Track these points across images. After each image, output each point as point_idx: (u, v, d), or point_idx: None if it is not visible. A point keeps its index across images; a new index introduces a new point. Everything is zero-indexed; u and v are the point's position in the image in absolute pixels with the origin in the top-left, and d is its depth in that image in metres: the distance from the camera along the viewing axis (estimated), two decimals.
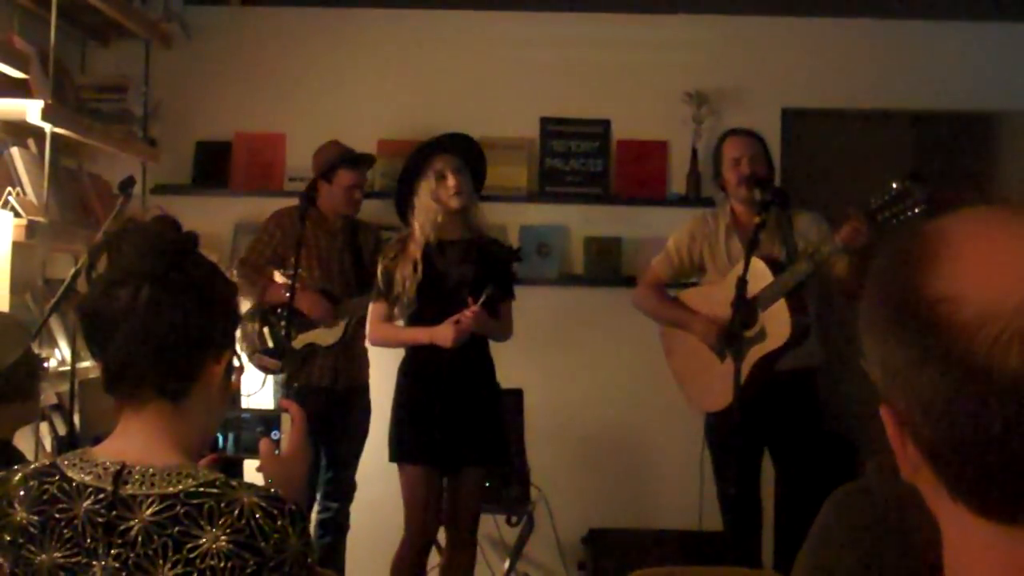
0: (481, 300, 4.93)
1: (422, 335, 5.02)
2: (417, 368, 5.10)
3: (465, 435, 5.00)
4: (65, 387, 4.93)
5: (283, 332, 5.56)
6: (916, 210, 4.39)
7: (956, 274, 0.99)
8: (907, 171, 4.55)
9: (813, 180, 6.81)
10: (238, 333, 5.65)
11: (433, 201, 5.02)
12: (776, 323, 4.91)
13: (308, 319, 5.64)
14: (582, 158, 6.73)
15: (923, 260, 1.01)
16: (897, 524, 1.52)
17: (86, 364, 4.94)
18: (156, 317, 1.98)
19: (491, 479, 5.57)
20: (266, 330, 5.72)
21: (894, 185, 4.46)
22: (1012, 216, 1.03)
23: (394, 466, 5.08)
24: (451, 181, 5.01)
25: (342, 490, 5.81)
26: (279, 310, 5.62)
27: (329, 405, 5.58)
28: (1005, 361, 0.94)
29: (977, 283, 0.97)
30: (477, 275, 5.04)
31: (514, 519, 5.98)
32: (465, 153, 5.21)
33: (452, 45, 6.73)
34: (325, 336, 5.67)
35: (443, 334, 4.93)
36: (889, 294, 1.03)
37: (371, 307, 5.24)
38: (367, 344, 5.62)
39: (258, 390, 5.77)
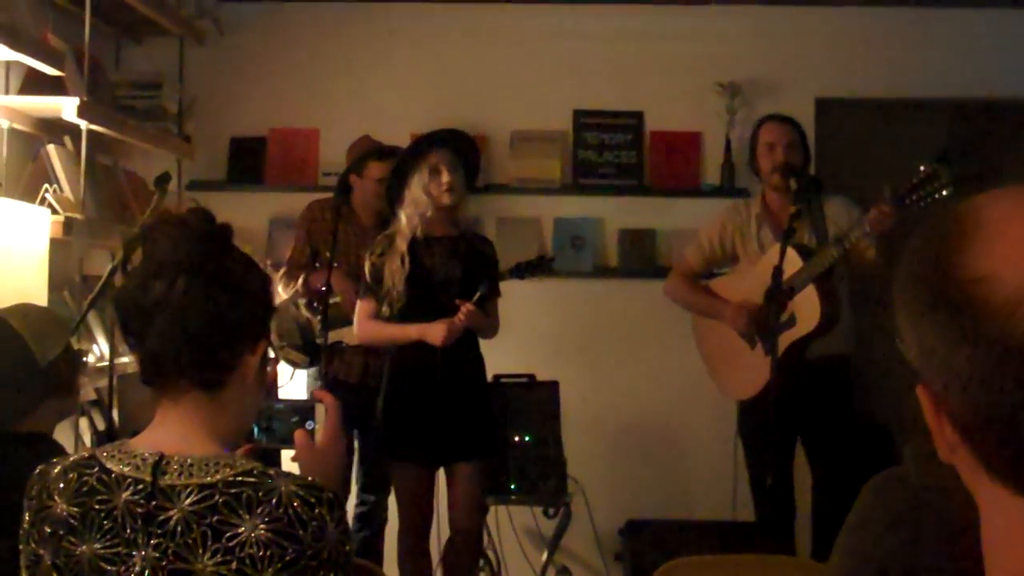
0: (475, 299, 4.91)
1: (413, 332, 4.96)
2: (407, 364, 5.07)
3: (454, 431, 4.99)
4: (104, 382, 4.95)
5: (314, 327, 5.56)
6: (944, 192, 4.37)
7: (991, 253, 0.98)
8: (935, 154, 4.52)
9: (848, 170, 6.77)
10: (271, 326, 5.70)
11: (424, 195, 4.96)
12: (806, 309, 4.90)
13: (338, 317, 5.64)
14: (615, 150, 6.72)
15: (958, 239, 1.01)
16: (936, 508, 1.52)
17: (124, 359, 4.96)
18: (192, 308, 1.99)
19: (528, 472, 5.58)
20: (295, 325, 5.74)
21: (922, 168, 4.44)
22: None
23: None
24: (445, 177, 4.96)
25: (378, 483, 5.82)
26: (314, 304, 5.63)
27: (361, 400, 5.57)
28: None
29: (1013, 262, 0.97)
30: (465, 272, 5.03)
31: (551, 511, 5.98)
32: (461, 150, 5.15)
33: (485, 38, 6.73)
34: (352, 334, 5.67)
35: (435, 332, 4.89)
36: (924, 274, 1.03)
37: (358, 304, 5.15)
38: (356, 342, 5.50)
39: (287, 383, 5.79)
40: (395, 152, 5.77)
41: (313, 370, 5.82)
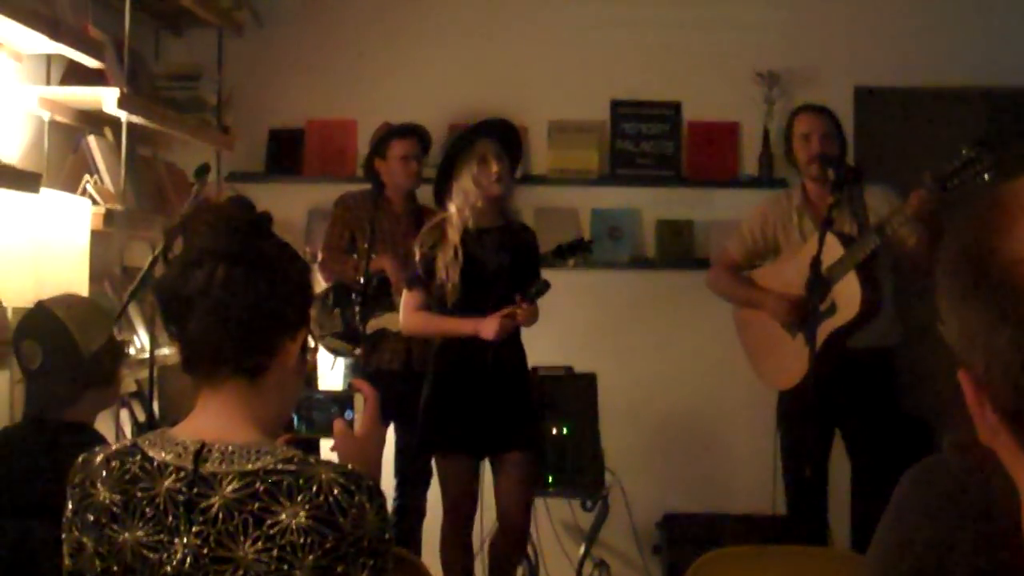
0: (533, 295, 4.89)
1: (467, 327, 4.92)
2: (453, 356, 5.05)
3: (498, 422, 4.97)
4: (144, 374, 4.98)
5: (356, 315, 5.57)
6: (985, 176, 4.35)
7: None
8: (976, 137, 4.50)
9: (887, 159, 6.73)
10: (311, 314, 5.72)
11: (474, 185, 4.95)
12: (846, 297, 4.87)
13: (381, 304, 5.65)
14: (653, 140, 6.71)
15: (1000, 222, 1.01)
16: (976, 495, 1.51)
17: (165, 351, 4.99)
18: (232, 295, 2.00)
19: (566, 464, 5.58)
20: (337, 312, 5.75)
21: (963, 151, 4.42)
22: None
23: None
24: (494, 167, 4.95)
25: (418, 475, 5.82)
26: (352, 294, 5.64)
27: (402, 389, 5.57)
28: None
29: None
30: (514, 263, 5.03)
31: (589, 504, 5.98)
32: (507, 139, 5.14)
33: (522, 28, 6.73)
34: (396, 321, 5.67)
35: (488, 328, 4.85)
36: (966, 257, 1.03)
37: (405, 295, 5.12)
38: (401, 331, 5.42)
39: (328, 372, 5.80)
40: (415, 130, 5.82)
41: (352, 360, 5.82)
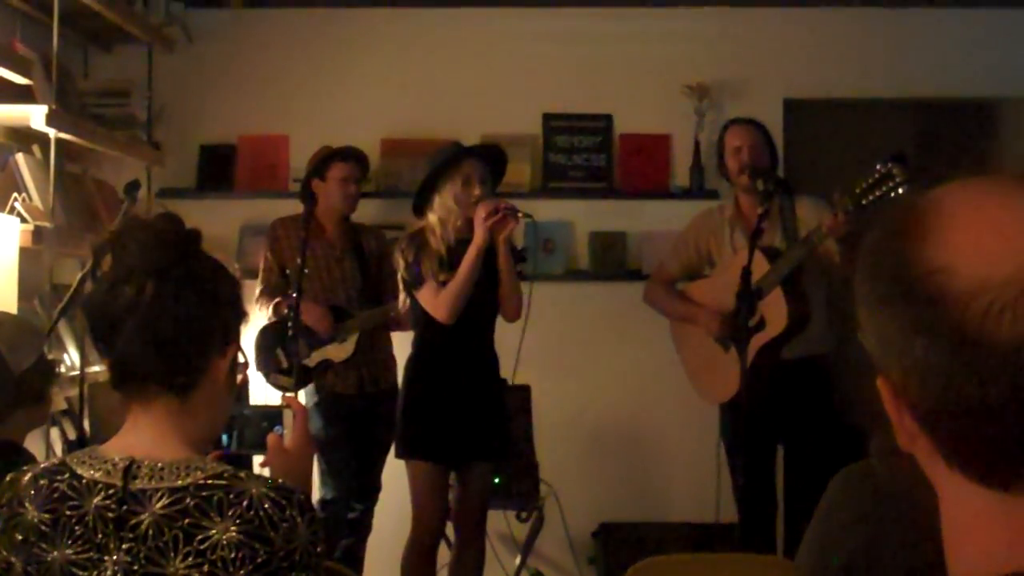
0: (516, 211, 4.95)
1: (471, 254, 4.87)
2: (425, 364, 5.09)
3: (472, 431, 5.01)
4: (75, 392, 4.94)
5: (295, 351, 5.48)
6: (899, 191, 4.39)
7: (948, 244, 0.99)
8: (889, 153, 4.54)
9: (817, 170, 6.79)
10: (253, 353, 5.70)
11: (454, 203, 5.00)
12: (774, 311, 4.93)
13: (318, 336, 5.64)
14: (585, 153, 6.73)
15: (915, 231, 1.02)
16: (901, 501, 1.53)
17: (95, 369, 4.95)
18: (161, 313, 2.00)
19: (501, 475, 5.58)
20: (279, 350, 5.72)
21: (877, 167, 4.47)
22: (1003, 186, 1.04)
23: (401, 462, 5.10)
24: (476, 190, 4.98)
25: (368, 491, 5.83)
26: (288, 326, 5.56)
27: (360, 410, 5.63)
28: (997, 331, 0.94)
29: (969, 253, 0.98)
30: (488, 277, 5.03)
31: (524, 515, 5.98)
32: (495, 165, 5.20)
33: (453, 43, 6.73)
34: (338, 352, 5.65)
35: (478, 229, 4.85)
36: (882, 265, 1.04)
37: (425, 292, 4.98)
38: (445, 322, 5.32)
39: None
40: (355, 154, 5.78)
41: (308, 388, 5.78)
